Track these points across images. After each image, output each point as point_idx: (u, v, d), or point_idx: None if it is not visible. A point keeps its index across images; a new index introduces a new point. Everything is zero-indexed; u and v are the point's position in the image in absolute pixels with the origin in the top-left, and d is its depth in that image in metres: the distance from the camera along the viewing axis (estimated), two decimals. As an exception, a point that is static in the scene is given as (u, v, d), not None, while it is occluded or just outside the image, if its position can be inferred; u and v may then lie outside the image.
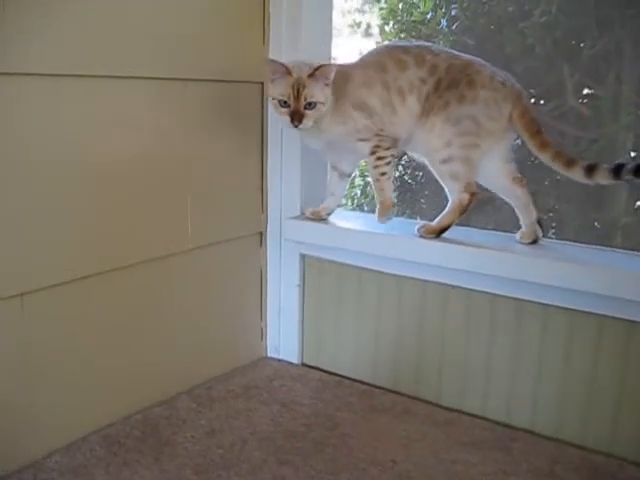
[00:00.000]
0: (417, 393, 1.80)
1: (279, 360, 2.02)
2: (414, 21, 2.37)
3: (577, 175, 1.54)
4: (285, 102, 1.55)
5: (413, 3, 2.52)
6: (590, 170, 1.51)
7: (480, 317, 1.68)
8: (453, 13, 2.44)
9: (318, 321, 1.96)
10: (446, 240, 1.65)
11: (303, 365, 2.00)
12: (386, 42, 1.72)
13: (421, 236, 1.66)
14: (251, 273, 1.98)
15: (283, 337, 2.01)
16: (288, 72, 1.55)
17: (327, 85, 1.56)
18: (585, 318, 1.54)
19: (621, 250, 1.63)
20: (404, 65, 1.62)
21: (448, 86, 1.59)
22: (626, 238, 1.75)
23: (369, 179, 1.91)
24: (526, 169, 2.36)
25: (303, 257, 1.93)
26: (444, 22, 2.40)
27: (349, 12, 2.96)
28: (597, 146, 2.24)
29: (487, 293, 1.65)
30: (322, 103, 1.57)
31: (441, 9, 2.41)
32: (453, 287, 1.70)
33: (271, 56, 1.82)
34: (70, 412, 1.52)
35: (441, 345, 1.76)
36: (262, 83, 1.85)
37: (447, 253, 1.64)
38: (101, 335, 1.57)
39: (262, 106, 1.87)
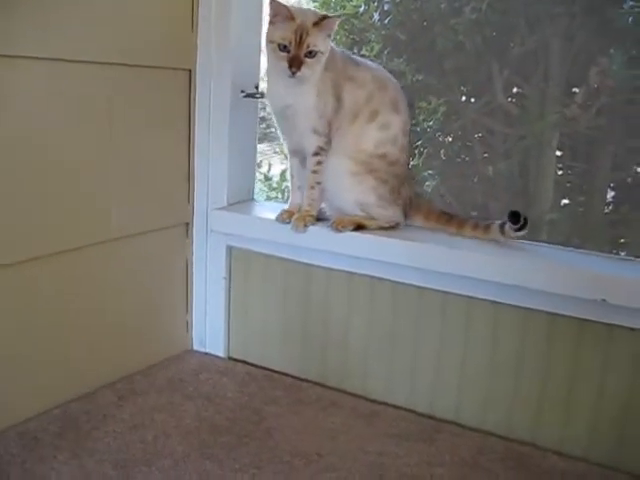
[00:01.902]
0: (344, 386, 1.80)
1: (205, 353, 1.98)
2: (346, 14, 2.36)
3: (494, 235, 1.61)
4: (285, 47, 1.49)
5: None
6: (503, 228, 1.58)
7: (406, 309, 1.69)
8: (386, 8, 2.44)
9: (245, 314, 1.93)
10: (369, 233, 1.64)
11: (229, 359, 1.97)
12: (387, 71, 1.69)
13: (337, 230, 1.65)
14: (177, 264, 1.93)
15: (209, 330, 1.98)
16: (291, 16, 1.49)
17: (329, 37, 1.52)
18: (509, 310, 1.56)
19: (546, 244, 1.66)
20: (396, 107, 1.63)
21: None
22: (551, 234, 1.78)
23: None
24: (455, 166, 2.40)
25: (230, 249, 1.90)
26: (376, 16, 2.40)
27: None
28: (524, 143, 2.28)
29: (413, 286, 1.65)
30: (322, 53, 1.52)
31: (374, 2, 2.41)
32: (379, 279, 1.70)
33: (200, 42, 1.78)
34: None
35: (367, 338, 1.75)
36: (190, 70, 1.81)
37: (373, 245, 1.63)
38: (18, 326, 1.51)
39: (189, 94, 1.83)
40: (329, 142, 1.62)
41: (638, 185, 2.25)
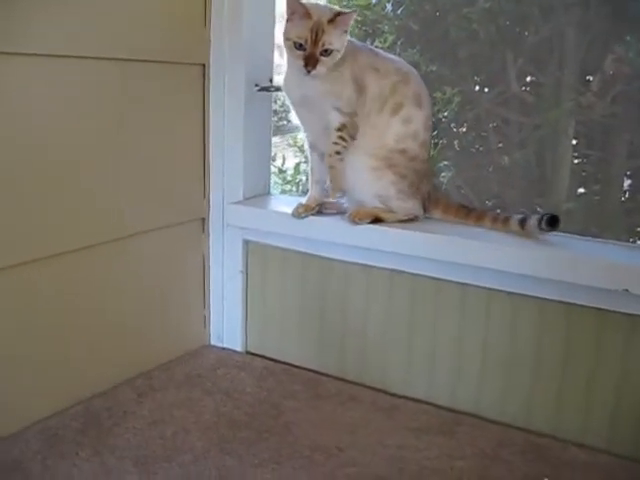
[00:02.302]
0: (362, 380, 1.79)
1: (223, 348, 1.99)
2: (359, 5, 2.34)
3: (514, 229, 1.59)
4: (301, 45, 1.49)
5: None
6: (522, 223, 1.57)
7: (425, 302, 1.68)
8: (398, -2, 2.42)
9: (262, 308, 1.93)
10: (386, 225, 1.64)
11: (247, 353, 1.97)
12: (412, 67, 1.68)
13: (355, 222, 1.64)
14: (193, 260, 1.93)
15: (226, 325, 1.98)
16: (307, 14, 1.48)
17: (345, 33, 1.52)
18: (527, 301, 1.55)
19: (564, 234, 1.64)
20: (419, 101, 1.62)
21: None
22: (568, 223, 1.77)
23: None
24: (471, 156, 2.38)
25: (246, 243, 1.90)
26: (389, 7, 2.38)
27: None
28: (539, 132, 2.26)
29: (431, 277, 1.65)
30: (338, 51, 1.51)
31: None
32: (398, 272, 1.69)
33: (213, 37, 1.78)
34: (5, 405, 1.46)
35: (386, 331, 1.75)
36: (204, 65, 1.81)
37: (392, 238, 1.62)
38: (38, 325, 1.51)
39: (204, 89, 1.82)
40: (355, 126, 1.60)
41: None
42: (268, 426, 1.57)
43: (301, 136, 2.93)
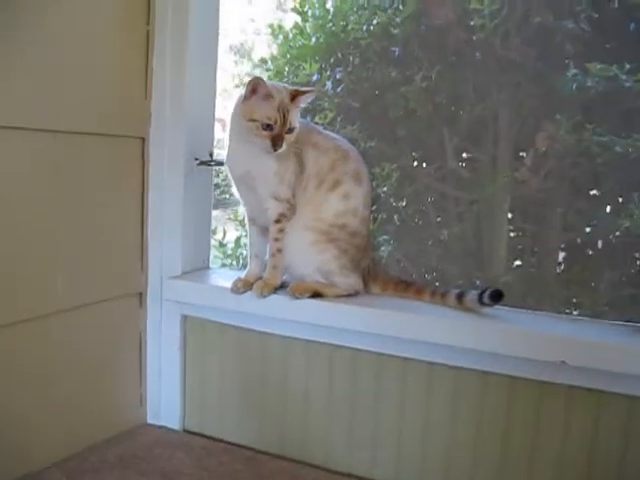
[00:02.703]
0: (304, 458, 1.75)
1: (160, 427, 1.92)
2: (299, 83, 2.39)
3: (451, 303, 1.59)
4: (269, 125, 1.49)
5: (299, 65, 2.55)
6: (460, 297, 1.58)
7: (366, 378, 1.66)
8: (338, 76, 2.48)
9: (201, 385, 1.88)
10: (327, 300, 1.62)
11: (185, 431, 1.91)
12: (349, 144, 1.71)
13: (295, 297, 1.62)
14: (130, 335, 1.88)
15: (164, 402, 1.92)
16: (270, 94, 1.49)
17: (300, 110, 1.55)
18: (469, 374, 1.55)
19: (501, 307, 1.66)
20: (358, 178, 1.63)
21: None
22: (505, 296, 1.79)
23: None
24: (410, 230, 2.41)
25: (185, 318, 1.86)
26: (329, 84, 2.43)
27: (239, 75, 2.97)
28: (476, 207, 2.31)
29: (373, 352, 1.63)
30: (297, 128, 1.54)
31: (326, 72, 2.44)
32: (339, 347, 1.67)
33: (153, 110, 1.78)
34: None
35: (327, 407, 1.72)
36: (143, 138, 1.80)
37: (333, 313, 1.61)
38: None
39: (143, 162, 1.82)
40: (292, 209, 1.61)
41: (587, 245, 2.29)
42: (206, 509, 1.52)
43: (242, 210, 2.94)
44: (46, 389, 1.63)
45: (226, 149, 1.62)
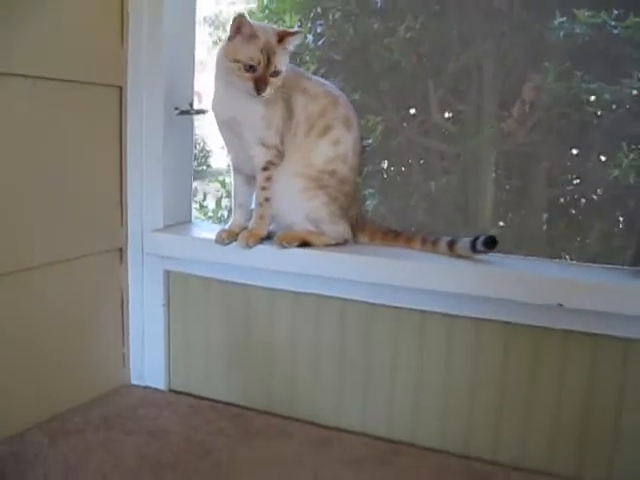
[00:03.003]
0: (293, 413, 1.71)
1: (145, 387, 1.87)
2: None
3: (442, 250, 1.56)
4: (251, 67, 1.43)
5: (279, 19, 2.50)
6: (451, 245, 1.54)
7: (356, 327, 1.62)
8: (319, 30, 2.43)
9: (186, 343, 1.83)
10: (316, 249, 1.57)
11: (171, 391, 1.86)
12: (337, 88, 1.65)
13: (282, 246, 1.57)
14: (111, 293, 1.82)
15: (148, 362, 1.87)
16: (255, 34, 1.43)
17: (289, 54, 1.48)
18: (462, 322, 1.51)
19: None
20: (348, 124, 1.58)
21: None
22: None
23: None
24: (395, 185, 2.38)
25: (168, 273, 1.80)
26: (310, 37, 2.38)
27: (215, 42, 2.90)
28: (461, 160, 2.28)
29: (363, 302, 1.59)
30: (284, 72, 1.47)
31: (307, 24, 2.39)
32: (327, 297, 1.63)
33: (130, 58, 1.71)
34: None
35: (315, 359, 1.68)
36: (120, 87, 1.73)
37: (321, 261, 1.56)
38: None
39: (120, 111, 1.74)
40: (280, 156, 1.55)
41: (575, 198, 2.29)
42: (196, 466, 1.47)
43: (221, 179, 2.89)
44: (25, 349, 1.57)
45: (212, 94, 1.56)
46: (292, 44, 1.48)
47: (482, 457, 1.53)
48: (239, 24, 1.44)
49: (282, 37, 1.46)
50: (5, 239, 1.50)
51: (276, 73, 1.46)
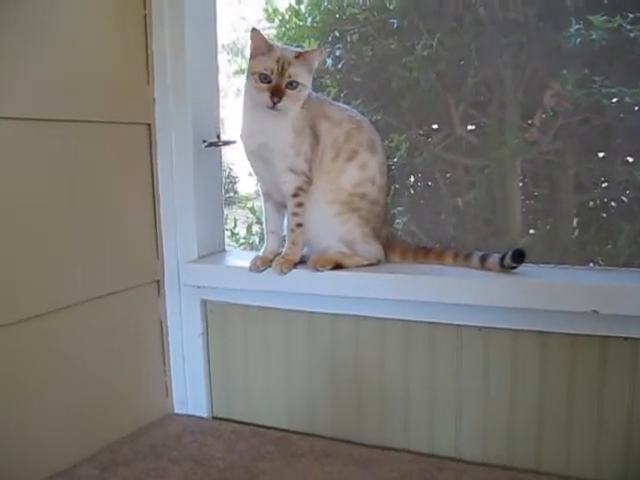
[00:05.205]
0: (335, 434, 1.72)
1: (188, 415, 1.89)
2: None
3: (475, 265, 1.57)
4: (266, 77, 1.46)
5: (299, 46, 2.53)
6: (483, 260, 1.55)
7: (393, 345, 1.63)
8: (338, 53, 2.47)
9: (226, 370, 1.85)
10: (351, 270, 1.60)
11: (214, 418, 1.88)
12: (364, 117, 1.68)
13: (316, 269, 1.59)
14: (150, 324, 1.85)
15: (190, 391, 1.89)
16: (271, 48, 1.47)
17: (311, 72, 1.50)
18: (499, 334, 1.52)
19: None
20: (373, 147, 1.60)
21: None
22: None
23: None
24: (423, 201, 2.40)
25: (204, 303, 1.83)
26: (329, 61, 2.41)
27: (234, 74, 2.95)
28: (487, 172, 2.29)
29: (400, 320, 1.61)
30: (304, 86, 1.49)
31: (326, 49, 2.42)
32: (364, 318, 1.65)
33: (157, 95, 1.75)
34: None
35: (356, 379, 1.69)
36: (149, 125, 1.78)
37: (358, 283, 1.58)
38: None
39: (150, 148, 1.79)
40: (309, 182, 1.58)
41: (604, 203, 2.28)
42: (243, 491, 1.49)
43: (250, 205, 2.92)
44: (69, 384, 1.61)
45: (240, 123, 1.59)
46: (310, 59, 1.50)
47: (525, 467, 1.53)
48: (253, 38, 1.48)
49: (300, 53, 1.50)
50: (52, 278, 1.54)
51: (292, 85, 1.47)
